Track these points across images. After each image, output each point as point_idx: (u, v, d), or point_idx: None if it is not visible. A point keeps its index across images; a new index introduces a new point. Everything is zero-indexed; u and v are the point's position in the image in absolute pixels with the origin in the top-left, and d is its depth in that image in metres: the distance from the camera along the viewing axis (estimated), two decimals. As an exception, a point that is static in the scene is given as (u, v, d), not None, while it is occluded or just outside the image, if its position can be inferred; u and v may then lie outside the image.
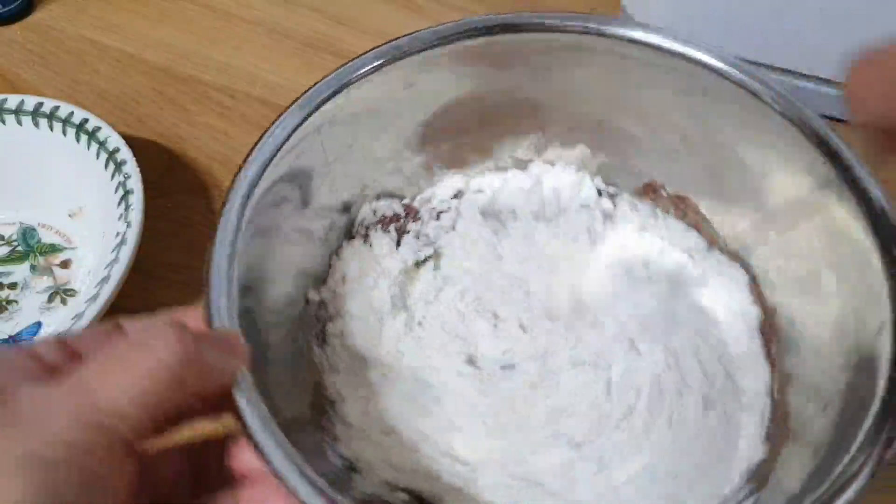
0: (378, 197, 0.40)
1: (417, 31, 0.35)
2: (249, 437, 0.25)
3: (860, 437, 0.25)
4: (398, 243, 0.40)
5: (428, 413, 0.35)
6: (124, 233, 0.39)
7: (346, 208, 0.39)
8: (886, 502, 0.33)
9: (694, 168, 0.38)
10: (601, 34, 0.35)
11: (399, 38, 0.34)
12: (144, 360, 0.22)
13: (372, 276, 0.38)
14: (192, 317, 0.27)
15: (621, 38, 0.35)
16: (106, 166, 0.43)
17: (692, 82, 0.35)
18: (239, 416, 0.25)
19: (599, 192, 0.41)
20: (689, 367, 0.35)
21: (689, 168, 0.38)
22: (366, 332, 0.37)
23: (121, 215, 0.40)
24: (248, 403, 0.25)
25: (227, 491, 0.26)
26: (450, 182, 0.41)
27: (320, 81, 0.34)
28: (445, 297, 0.38)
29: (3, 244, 0.45)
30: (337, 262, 0.39)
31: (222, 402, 0.25)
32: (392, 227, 0.40)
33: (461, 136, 0.40)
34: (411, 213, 0.41)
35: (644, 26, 0.35)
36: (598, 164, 0.41)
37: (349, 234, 0.39)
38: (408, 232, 0.40)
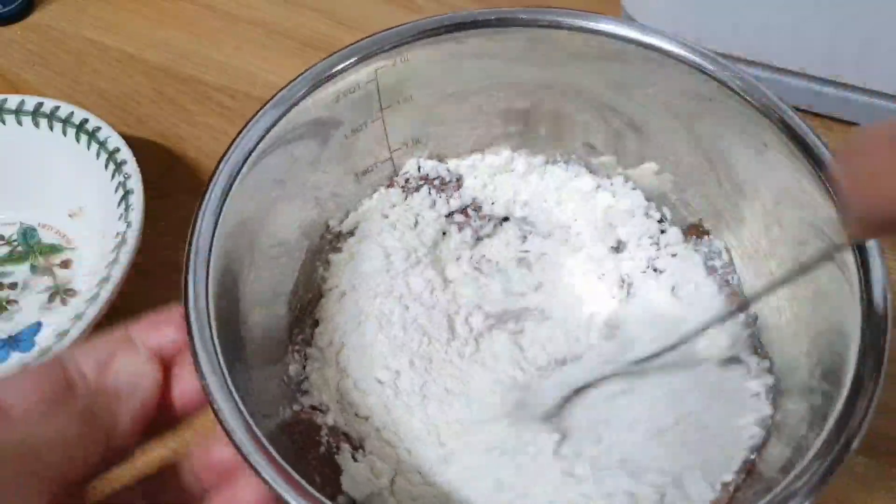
0: (429, 156, 0.41)
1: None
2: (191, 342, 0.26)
3: (829, 423, 0.25)
4: (434, 203, 0.40)
5: (373, 350, 0.35)
6: (124, 233, 0.39)
7: (390, 156, 0.40)
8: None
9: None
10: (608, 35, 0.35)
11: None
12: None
13: (392, 219, 0.39)
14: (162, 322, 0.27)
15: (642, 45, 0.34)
16: (106, 166, 0.43)
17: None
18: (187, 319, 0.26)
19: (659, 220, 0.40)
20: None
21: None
22: (365, 264, 0.38)
23: (121, 215, 0.40)
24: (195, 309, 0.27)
25: None
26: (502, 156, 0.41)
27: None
28: (458, 266, 0.39)
29: (3, 244, 0.45)
30: (367, 201, 0.40)
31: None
32: (432, 190, 0.41)
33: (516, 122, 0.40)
34: (454, 183, 0.41)
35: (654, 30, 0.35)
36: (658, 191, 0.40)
37: (390, 183, 0.41)
38: (449, 199, 0.41)
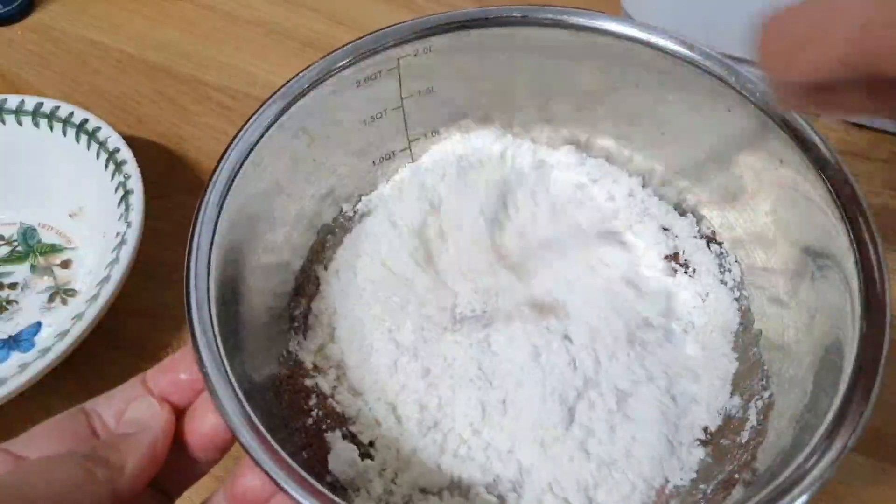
0: (449, 147, 0.41)
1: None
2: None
3: (827, 420, 0.25)
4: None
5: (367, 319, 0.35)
6: (124, 233, 0.39)
7: (408, 145, 0.40)
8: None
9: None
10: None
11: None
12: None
13: (405, 198, 0.39)
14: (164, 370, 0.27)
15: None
16: (106, 166, 0.43)
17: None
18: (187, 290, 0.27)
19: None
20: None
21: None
22: (371, 236, 0.38)
23: (121, 215, 0.40)
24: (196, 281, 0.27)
25: None
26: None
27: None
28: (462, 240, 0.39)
29: (3, 244, 0.45)
30: (382, 186, 0.40)
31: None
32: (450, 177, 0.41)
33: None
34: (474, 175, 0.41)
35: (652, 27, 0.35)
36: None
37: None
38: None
